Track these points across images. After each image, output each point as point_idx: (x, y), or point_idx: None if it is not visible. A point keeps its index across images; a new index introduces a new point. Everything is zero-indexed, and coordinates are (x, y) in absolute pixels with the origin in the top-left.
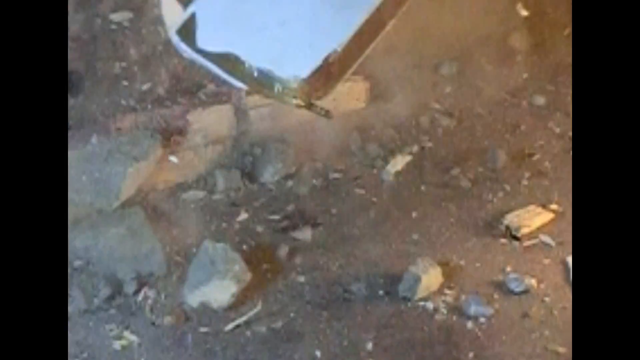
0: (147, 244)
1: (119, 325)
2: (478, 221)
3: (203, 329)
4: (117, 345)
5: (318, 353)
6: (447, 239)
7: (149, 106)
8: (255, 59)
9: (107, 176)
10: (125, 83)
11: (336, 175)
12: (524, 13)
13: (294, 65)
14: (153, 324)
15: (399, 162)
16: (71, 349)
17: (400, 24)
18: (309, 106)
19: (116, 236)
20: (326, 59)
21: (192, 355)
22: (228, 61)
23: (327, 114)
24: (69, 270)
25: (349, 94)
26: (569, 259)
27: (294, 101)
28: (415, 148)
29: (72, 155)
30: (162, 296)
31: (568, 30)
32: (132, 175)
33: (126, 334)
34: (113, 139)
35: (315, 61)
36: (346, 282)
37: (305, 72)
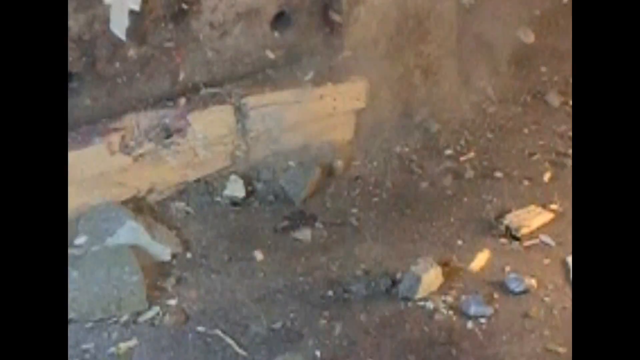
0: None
1: None
2: (478, 221)
3: (203, 329)
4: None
5: (318, 353)
6: (447, 239)
7: (149, 106)
8: None
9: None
10: (125, 83)
11: (336, 174)
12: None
13: None
14: (153, 324)
15: (399, 162)
16: (71, 350)
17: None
18: None
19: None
20: None
21: (192, 355)
22: None
23: None
24: None
25: (349, 94)
26: (569, 259)
27: None
28: (416, 147)
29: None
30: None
31: None
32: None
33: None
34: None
35: None
36: (346, 282)
37: None
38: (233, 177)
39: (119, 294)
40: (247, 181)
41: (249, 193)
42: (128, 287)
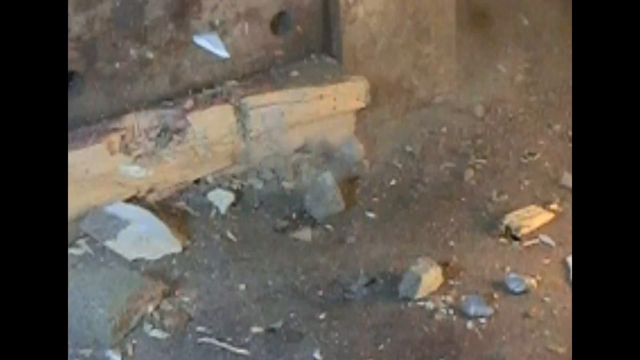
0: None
1: None
2: (478, 221)
3: (203, 329)
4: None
5: (318, 353)
6: (447, 239)
7: (149, 106)
8: None
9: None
10: (125, 83)
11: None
12: None
13: None
14: (153, 325)
15: (399, 162)
16: (71, 350)
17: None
18: None
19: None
20: None
21: (192, 355)
22: None
23: None
24: None
25: (349, 94)
26: (569, 259)
27: None
28: (416, 147)
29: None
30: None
31: None
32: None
33: None
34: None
35: None
36: (346, 282)
37: None
38: (211, 194)
39: (87, 316)
40: (246, 181)
41: (248, 193)
42: (94, 315)
